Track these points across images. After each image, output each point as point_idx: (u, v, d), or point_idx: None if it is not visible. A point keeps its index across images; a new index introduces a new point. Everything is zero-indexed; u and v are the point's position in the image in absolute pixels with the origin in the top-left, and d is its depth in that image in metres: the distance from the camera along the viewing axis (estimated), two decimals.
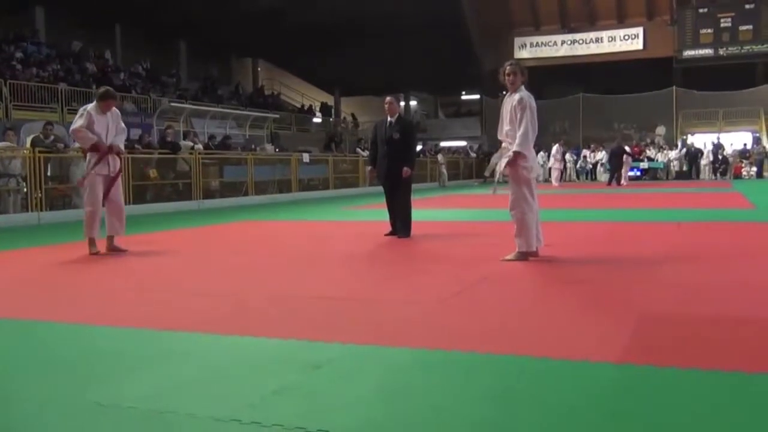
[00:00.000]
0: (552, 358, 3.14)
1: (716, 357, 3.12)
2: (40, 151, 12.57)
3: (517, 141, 6.04)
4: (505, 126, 6.22)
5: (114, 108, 7.61)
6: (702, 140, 32.03)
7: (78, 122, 7.33)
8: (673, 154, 30.47)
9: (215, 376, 3.01)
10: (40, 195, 12.42)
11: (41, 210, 12.39)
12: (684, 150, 31.03)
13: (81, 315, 4.35)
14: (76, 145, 7.42)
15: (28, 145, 13.34)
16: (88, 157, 7.43)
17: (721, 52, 33.11)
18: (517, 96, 6.11)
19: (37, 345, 3.67)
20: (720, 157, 30.30)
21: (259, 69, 38.21)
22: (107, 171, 7.43)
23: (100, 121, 7.35)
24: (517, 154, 6.03)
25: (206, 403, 2.66)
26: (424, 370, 3.06)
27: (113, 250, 7.42)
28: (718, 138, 31.54)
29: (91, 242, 7.34)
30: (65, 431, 2.46)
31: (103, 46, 27.29)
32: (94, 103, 7.49)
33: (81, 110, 7.51)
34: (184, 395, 2.78)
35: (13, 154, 12.60)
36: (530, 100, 6.08)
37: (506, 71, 6.21)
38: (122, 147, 7.76)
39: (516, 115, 6.08)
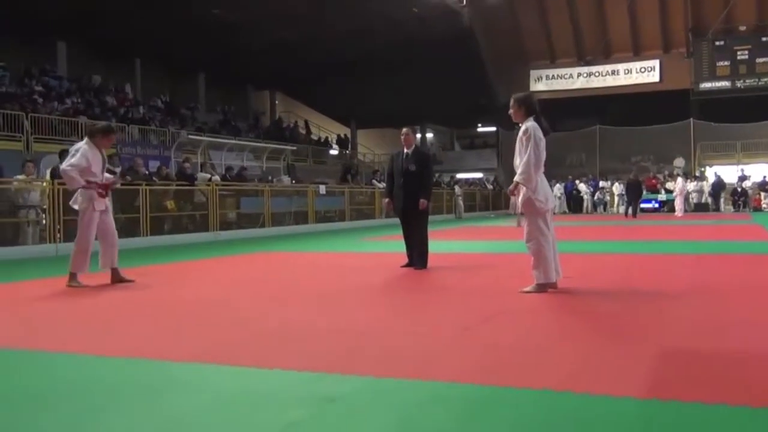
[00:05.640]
0: (572, 391, 3.06)
1: (741, 392, 3.02)
2: (58, 183, 12.66)
3: (519, 170, 6.07)
4: (516, 158, 6.23)
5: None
6: (719, 172, 31.81)
7: (72, 160, 7.20)
8: (691, 185, 30.27)
9: (227, 409, 2.95)
10: (59, 226, 12.50)
11: (59, 242, 12.46)
12: (703, 182, 30.89)
13: (89, 346, 4.30)
14: None
15: (47, 176, 13.48)
16: (82, 193, 7.27)
17: (739, 84, 33.06)
18: (522, 127, 6.14)
19: (41, 376, 3.63)
20: (739, 189, 30.11)
21: (276, 101, 38.56)
22: (104, 206, 7.41)
23: (95, 160, 7.32)
24: (518, 184, 6.08)
25: None
26: (441, 404, 2.99)
27: (121, 281, 7.38)
28: (743, 170, 31.36)
29: (74, 277, 7.26)
30: None
31: (123, 79, 27.70)
32: (87, 140, 7.39)
33: (73, 149, 7.40)
34: (196, 428, 2.72)
35: (30, 186, 12.71)
36: (535, 131, 6.06)
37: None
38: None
39: (522, 145, 6.10)
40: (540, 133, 6.08)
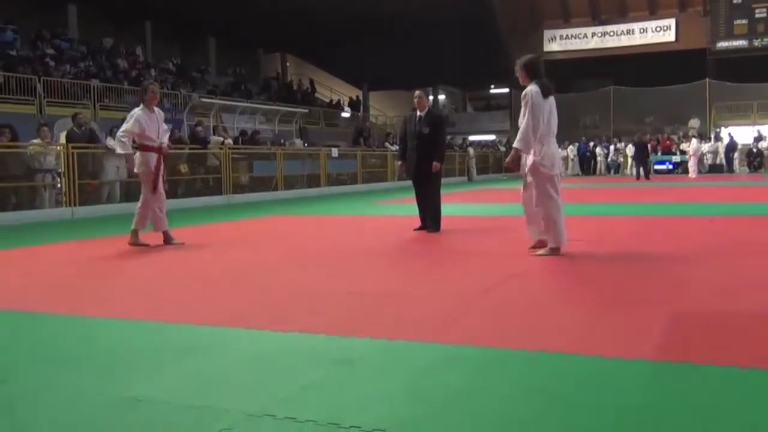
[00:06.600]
0: (585, 354, 3.10)
1: (753, 354, 3.06)
2: (73, 147, 12.74)
3: (517, 137, 6.10)
4: (519, 120, 6.22)
5: (157, 108, 7.80)
6: (734, 133, 31.42)
7: (125, 126, 7.47)
8: (706, 146, 29.97)
9: (247, 371, 3.02)
10: (73, 191, 12.61)
11: (75, 205, 12.57)
12: (718, 143, 30.59)
13: (111, 309, 4.38)
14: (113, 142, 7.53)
15: (62, 140, 13.53)
16: (137, 157, 7.55)
17: (756, 43, 32.46)
18: (523, 92, 6.11)
19: (69, 339, 3.72)
20: (755, 150, 29.82)
21: (287, 64, 38.31)
22: (155, 168, 7.67)
23: (151, 124, 7.52)
24: (517, 152, 6.11)
25: (239, 397, 2.68)
26: (456, 366, 3.04)
27: (173, 243, 7.63)
28: (758, 131, 30.97)
29: (135, 234, 7.56)
30: (101, 425, 2.48)
31: (133, 42, 27.58)
32: (141, 105, 7.59)
33: (129, 115, 7.62)
34: (217, 390, 2.79)
35: (45, 150, 12.78)
36: (533, 96, 6.01)
37: None
38: (168, 143, 8.02)
39: (523, 110, 6.09)
40: (539, 98, 6.02)
